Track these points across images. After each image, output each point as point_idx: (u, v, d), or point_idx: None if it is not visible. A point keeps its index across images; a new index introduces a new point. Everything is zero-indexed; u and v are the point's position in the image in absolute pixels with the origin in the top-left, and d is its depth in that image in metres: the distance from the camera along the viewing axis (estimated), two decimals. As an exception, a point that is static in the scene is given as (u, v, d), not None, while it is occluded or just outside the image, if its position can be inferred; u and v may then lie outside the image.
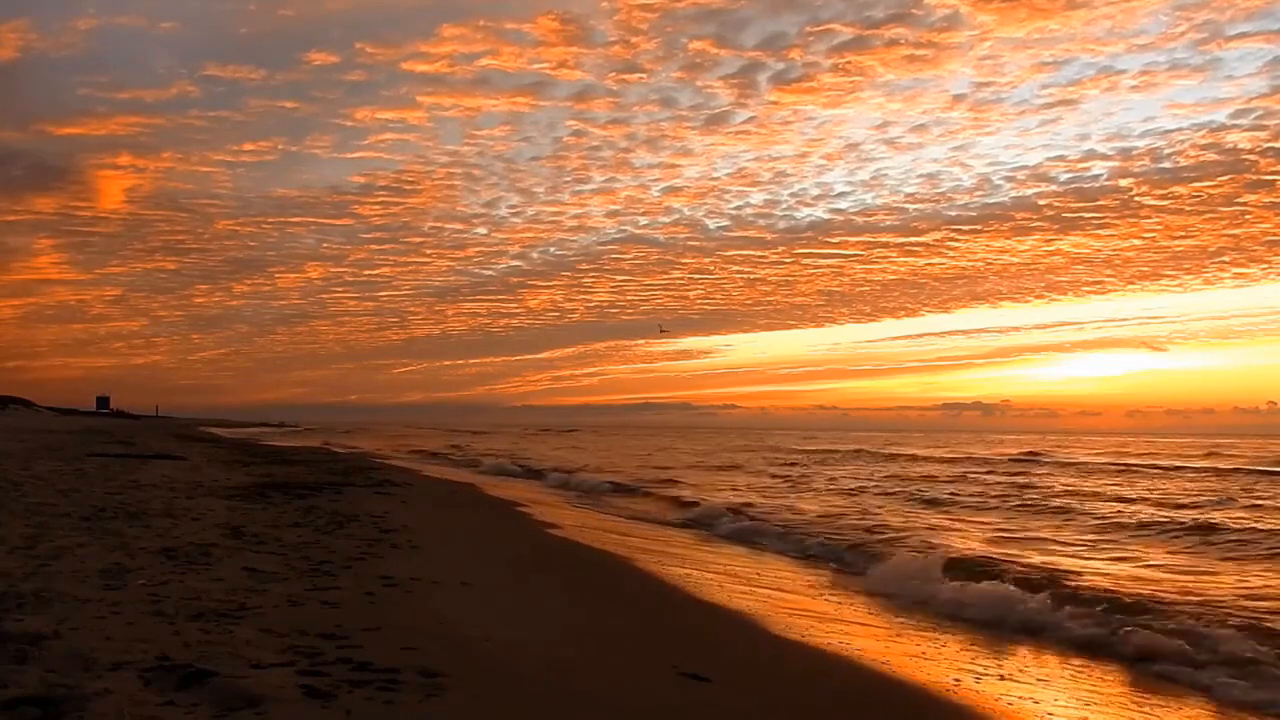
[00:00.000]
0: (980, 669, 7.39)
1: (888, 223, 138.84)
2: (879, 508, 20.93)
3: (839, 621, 9.03)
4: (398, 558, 9.66)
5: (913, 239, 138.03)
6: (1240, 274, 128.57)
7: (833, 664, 7.14)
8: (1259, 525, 17.39)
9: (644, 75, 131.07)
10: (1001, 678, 7.15)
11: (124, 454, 26.53)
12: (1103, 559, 13.49)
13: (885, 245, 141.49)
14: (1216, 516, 18.89)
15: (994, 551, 13.61)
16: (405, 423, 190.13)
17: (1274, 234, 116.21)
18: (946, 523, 18.06)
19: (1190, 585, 11.06)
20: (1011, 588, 10.17)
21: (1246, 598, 10.21)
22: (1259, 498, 24.16)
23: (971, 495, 24.32)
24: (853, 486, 27.50)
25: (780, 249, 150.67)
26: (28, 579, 6.86)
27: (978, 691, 6.57)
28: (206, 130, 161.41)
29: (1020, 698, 6.55)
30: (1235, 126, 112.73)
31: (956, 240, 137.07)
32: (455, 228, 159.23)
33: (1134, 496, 24.25)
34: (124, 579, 7.19)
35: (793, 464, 40.93)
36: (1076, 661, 7.94)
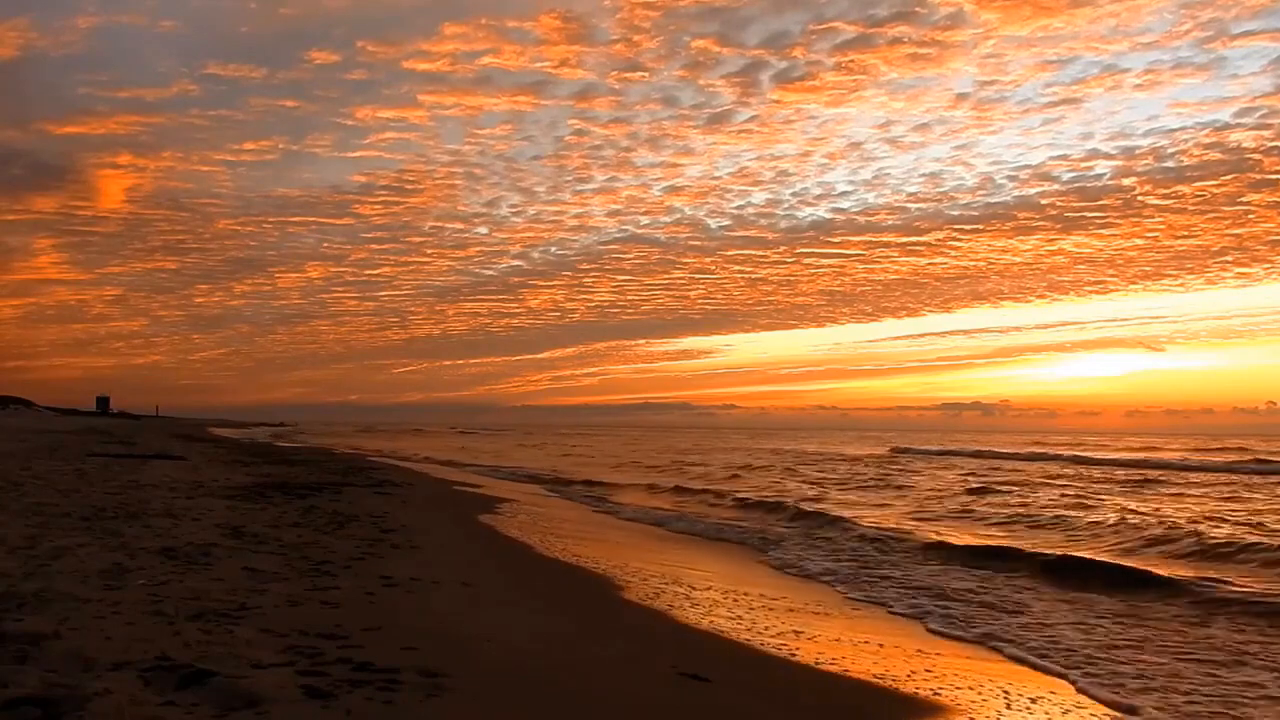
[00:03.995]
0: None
1: (890, 222, 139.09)
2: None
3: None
4: (398, 558, 9.66)
5: (915, 238, 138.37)
6: (1243, 273, 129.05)
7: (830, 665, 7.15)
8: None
9: (646, 74, 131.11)
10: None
11: (124, 454, 26.53)
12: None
13: (887, 245, 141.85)
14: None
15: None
16: (365, 423, 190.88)
17: (1277, 233, 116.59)
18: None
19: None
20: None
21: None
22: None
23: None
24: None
25: (782, 248, 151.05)
26: (28, 579, 6.86)
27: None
28: (207, 129, 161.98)
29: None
30: (1239, 125, 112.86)
31: (958, 240, 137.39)
32: (456, 227, 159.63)
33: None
34: (124, 579, 7.19)
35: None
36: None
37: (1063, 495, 24.04)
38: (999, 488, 26.55)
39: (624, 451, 56.90)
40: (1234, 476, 33.55)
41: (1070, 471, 37.11)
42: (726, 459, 46.06)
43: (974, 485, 27.39)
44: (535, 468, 36.79)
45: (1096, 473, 35.79)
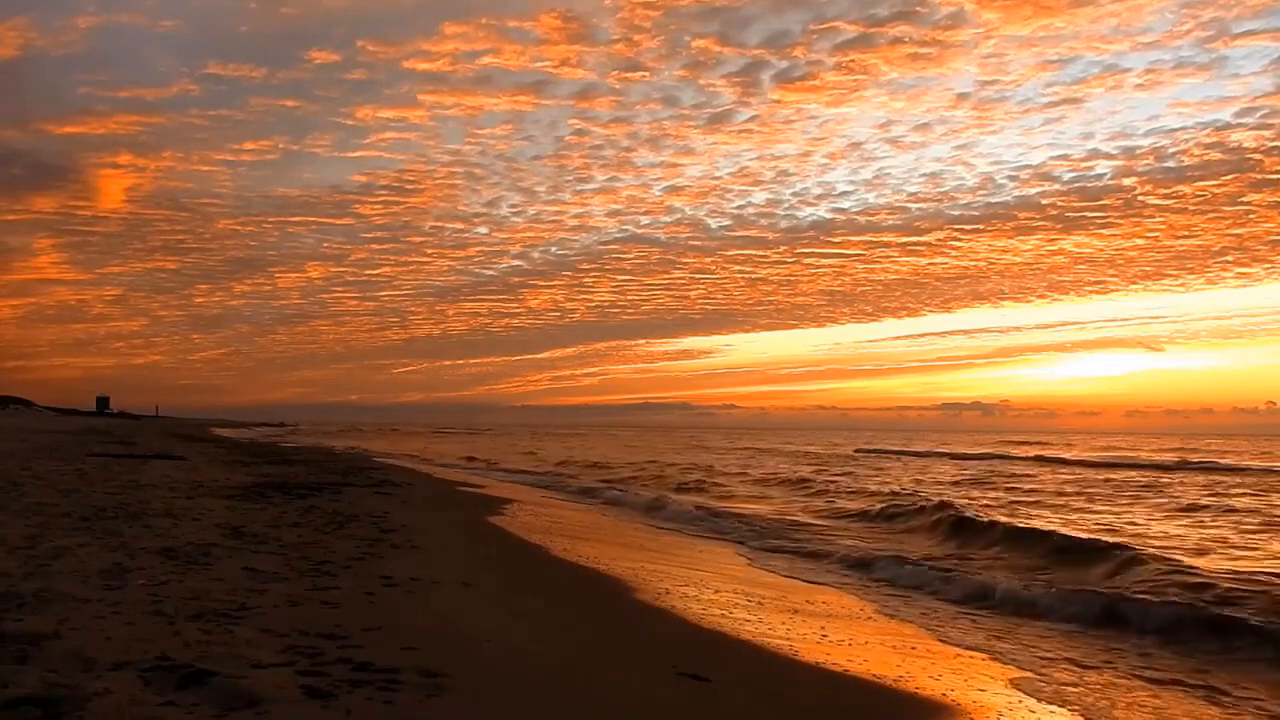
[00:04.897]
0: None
1: (890, 222, 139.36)
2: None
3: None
4: (398, 558, 9.66)
5: (915, 238, 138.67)
6: (1243, 273, 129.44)
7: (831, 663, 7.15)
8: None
9: (646, 74, 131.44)
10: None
11: (124, 454, 26.53)
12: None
13: (887, 245, 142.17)
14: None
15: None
16: (346, 422, 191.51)
17: (1277, 233, 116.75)
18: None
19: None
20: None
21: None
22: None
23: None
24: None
25: (782, 248, 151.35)
26: (28, 579, 6.86)
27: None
28: (207, 129, 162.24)
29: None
30: (1240, 125, 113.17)
31: (959, 240, 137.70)
32: (456, 227, 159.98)
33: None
34: (124, 579, 7.19)
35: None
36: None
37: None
38: (905, 488, 27.65)
39: (583, 451, 56.86)
40: (1171, 475, 34.74)
41: (999, 469, 39.38)
42: (704, 458, 48.03)
43: (883, 488, 27.84)
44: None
45: (1039, 471, 37.93)
